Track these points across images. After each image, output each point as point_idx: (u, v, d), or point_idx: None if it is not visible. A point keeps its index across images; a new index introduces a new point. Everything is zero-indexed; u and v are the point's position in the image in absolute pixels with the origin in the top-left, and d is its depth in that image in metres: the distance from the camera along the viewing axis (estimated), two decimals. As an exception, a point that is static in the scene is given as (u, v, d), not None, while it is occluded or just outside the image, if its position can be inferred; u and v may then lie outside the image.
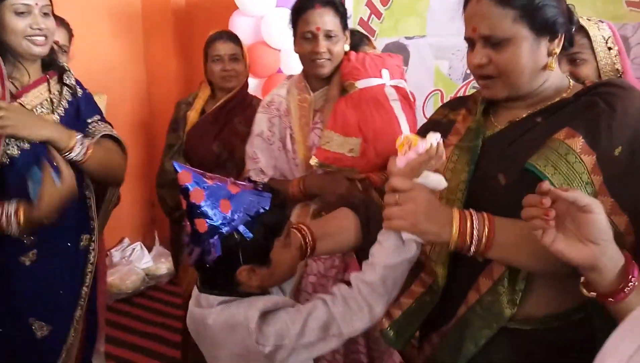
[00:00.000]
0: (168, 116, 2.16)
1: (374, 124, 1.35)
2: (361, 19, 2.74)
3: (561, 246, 0.69)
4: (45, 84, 1.34)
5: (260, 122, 1.55)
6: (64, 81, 1.38)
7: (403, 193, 0.80)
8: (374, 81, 1.41)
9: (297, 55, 1.53)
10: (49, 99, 1.33)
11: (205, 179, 0.82)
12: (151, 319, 2.75)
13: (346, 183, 1.34)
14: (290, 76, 1.64)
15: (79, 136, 1.31)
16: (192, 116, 2.00)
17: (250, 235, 0.82)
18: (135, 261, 3.08)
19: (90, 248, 1.43)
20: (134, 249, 3.16)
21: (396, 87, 1.44)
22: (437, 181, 0.83)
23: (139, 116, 3.28)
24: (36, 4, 1.26)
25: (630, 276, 0.68)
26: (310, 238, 0.96)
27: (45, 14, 1.29)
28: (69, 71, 1.41)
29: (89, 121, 1.42)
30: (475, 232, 0.79)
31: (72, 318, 1.37)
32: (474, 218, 0.81)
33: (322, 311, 0.85)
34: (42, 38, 1.28)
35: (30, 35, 1.26)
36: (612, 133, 0.80)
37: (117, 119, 2.83)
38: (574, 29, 0.90)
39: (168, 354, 2.41)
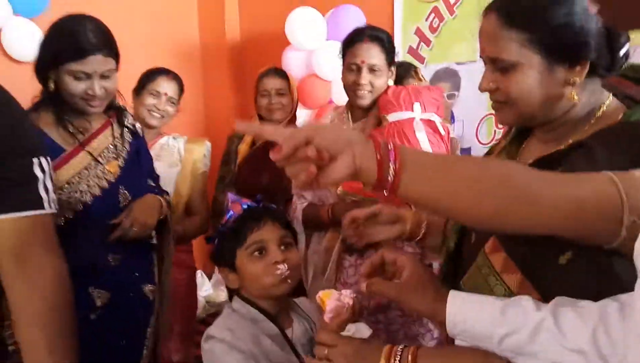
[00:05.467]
0: (224, 147, 2.43)
1: (396, 156, 1.51)
2: (410, 47, 2.92)
3: (322, 178, 0.72)
4: (109, 128, 1.57)
5: None
6: (124, 123, 1.60)
7: (331, 347, 0.87)
8: (404, 115, 1.57)
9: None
10: (113, 145, 1.55)
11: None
12: (210, 345, 2.99)
13: None
14: (338, 107, 1.85)
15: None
16: (243, 149, 2.24)
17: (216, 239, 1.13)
18: (196, 289, 3.37)
19: (153, 298, 1.59)
20: (194, 277, 3.46)
21: (426, 121, 1.58)
22: (360, 332, 0.91)
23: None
24: (95, 71, 1.42)
25: (385, 165, 0.70)
26: None
27: (105, 77, 1.45)
28: (126, 111, 1.64)
29: (149, 182, 1.65)
30: None
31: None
32: (397, 356, 0.82)
33: None
34: (98, 101, 1.46)
35: (85, 98, 1.44)
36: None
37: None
38: (620, 52, 0.79)
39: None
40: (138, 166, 1.61)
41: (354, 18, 2.80)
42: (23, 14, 2.42)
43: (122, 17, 2.85)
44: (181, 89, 2.14)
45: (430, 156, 0.80)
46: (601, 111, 0.83)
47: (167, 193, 1.74)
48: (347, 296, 0.93)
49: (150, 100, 2.06)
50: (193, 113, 3.53)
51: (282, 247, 1.09)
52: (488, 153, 1.05)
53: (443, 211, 0.78)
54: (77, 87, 1.43)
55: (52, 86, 1.45)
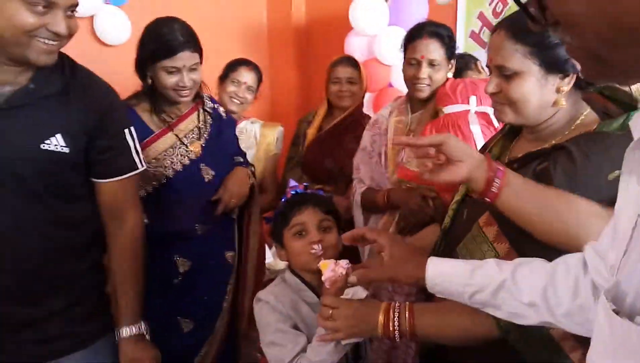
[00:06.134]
0: (288, 127, 2.60)
1: (451, 147, 1.61)
2: (472, 31, 2.95)
3: (442, 175, 0.92)
4: (196, 113, 1.79)
5: (365, 138, 1.90)
6: (206, 108, 1.82)
7: (334, 309, 1.04)
8: (459, 107, 1.66)
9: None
10: (197, 128, 1.77)
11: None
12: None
13: (418, 200, 1.62)
14: (398, 98, 1.96)
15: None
16: (311, 132, 2.40)
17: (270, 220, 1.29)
18: (258, 257, 3.63)
19: (233, 263, 1.84)
20: (256, 246, 3.71)
21: (481, 113, 1.66)
22: (357, 294, 1.08)
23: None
24: (184, 65, 1.62)
25: (493, 180, 0.89)
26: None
27: (193, 70, 1.65)
28: (208, 99, 1.86)
29: (235, 159, 1.87)
30: (397, 323, 0.99)
31: (216, 317, 1.80)
32: (395, 312, 1.00)
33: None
34: (187, 91, 1.67)
35: (176, 90, 1.65)
36: None
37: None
38: None
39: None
40: (219, 146, 1.81)
41: (416, 3, 2.85)
42: (112, 2, 2.67)
43: (199, 1, 3.06)
44: (259, 78, 2.35)
45: (529, 184, 0.93)
46: (580, 120, 1.01)
47: (253, 166, 1.97)
48: (341, 266, 1.08)
49: (231, 88, 2.28)
50: (259, 94, 3.72)
51: (321, 230, 1.24)
52: (485, 145, 1.23)
53: (523, 224, 0.93)
54: (170, 80, 1.65)
55: (149, 80, 1.68)
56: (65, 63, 1.24)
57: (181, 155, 1.73)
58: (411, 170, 1.67)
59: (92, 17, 2.66)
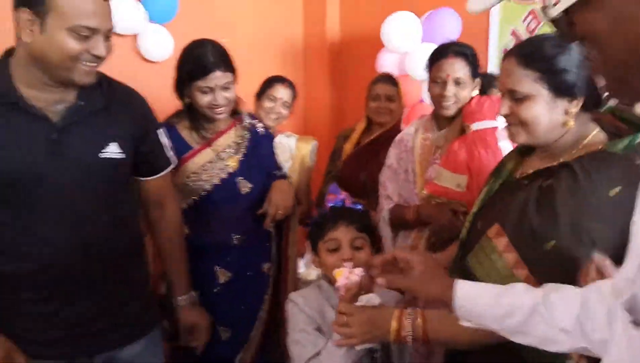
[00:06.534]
0: (320, 141, 2.66)
1: (480, 163, 1.65)
2: (505, 49, 2.95)
3: None
4: (234, 128, 1.88)
5: (391, 156, 1.95)
6: (244, 124, 1.90)
7: (349, 316, 1.09)
8: (487, 124, 1.69)
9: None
10: (235, 143, 1.85)
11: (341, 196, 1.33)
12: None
13: (449, 214, 1.65)
14: (423, 116, 2.00)
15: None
16: (347, 147, 2.48)
17: (309, 225, 1.33)
18: (290, 267, 3.68)
19: (270, 273, 1.91)
20: (289, 256, 3.77)
21: None
22: (371, 301, 1.12)
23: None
24: (216, 85, 1.69)
25: None
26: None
27: (226, 88, 1.72)
28: (247, 116, 1.94)
29: (274, 172, 1.94)
30: (410, 329, 1.03)
31: (252, 326, 1.87)
32: (408, 318, 1.04)
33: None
34: (222, 109, 1.74)
35: (211, 108, 1.73)
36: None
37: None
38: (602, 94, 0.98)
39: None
40: (256, 160, 1.89)
41: (450, 20, 2.89)
42: (157, 21, 2.81)
43: (238, 19, 3.18)
44: (294, 94, 2.45)
45: None
46: (587, 139, 1.06)
47: (290, 177, 2.07)
48: (355, 274, 1.14)
49: (268, 104, 2.38)
50: (294, 109, 3.79)
51: (354, 248, 1.29)
52: (502, 162, 1.27)
53: None
54: (204, 99, 1.74)
55: (187, 100, 1.78)
56: (102, 80, 1.35)
57: (219, 169, 1.81)
58: (440, 185, 1.71)
59: (135, 35, 2.80)
